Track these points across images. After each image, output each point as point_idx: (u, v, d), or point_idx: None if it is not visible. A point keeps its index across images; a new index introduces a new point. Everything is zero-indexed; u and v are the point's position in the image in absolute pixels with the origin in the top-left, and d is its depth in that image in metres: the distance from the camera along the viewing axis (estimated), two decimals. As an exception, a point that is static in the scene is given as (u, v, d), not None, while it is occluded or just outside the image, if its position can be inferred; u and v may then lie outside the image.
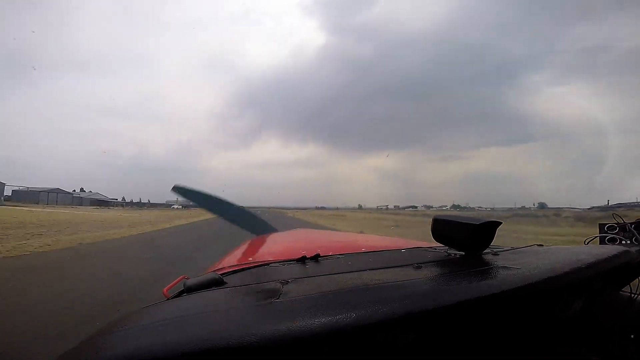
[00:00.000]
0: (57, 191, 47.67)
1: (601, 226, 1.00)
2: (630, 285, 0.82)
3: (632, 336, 0.75)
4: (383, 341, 0.42)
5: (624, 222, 0.95)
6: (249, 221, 2.06)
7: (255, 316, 0.44)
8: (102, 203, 53.23)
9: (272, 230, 2.02)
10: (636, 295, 0.80)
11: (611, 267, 0.68)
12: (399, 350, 0.44)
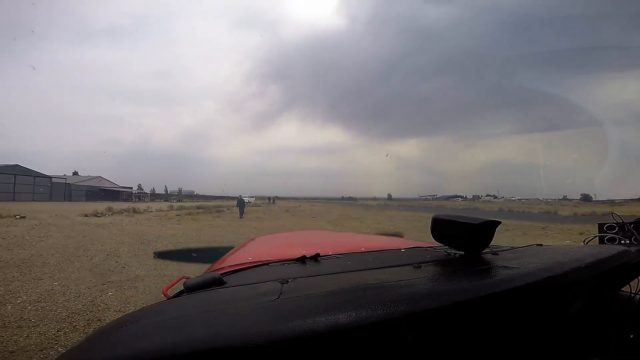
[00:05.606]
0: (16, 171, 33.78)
1: (600, 226, 1.01)
2: (629, 285, 0.83)
3: (631, 336, 0.76)
4: (383, 341, 0.43)
5: (623, 221, 0.96)
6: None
7: (256, 316, 0.45)
8: (109, 194, 41.14)
9: None
10: (635, 295, 0.81)
11: (610, 267, 0.68)
12: (400, 350, 0.44)
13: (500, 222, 0.76)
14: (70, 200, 36.22)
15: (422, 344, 0.47)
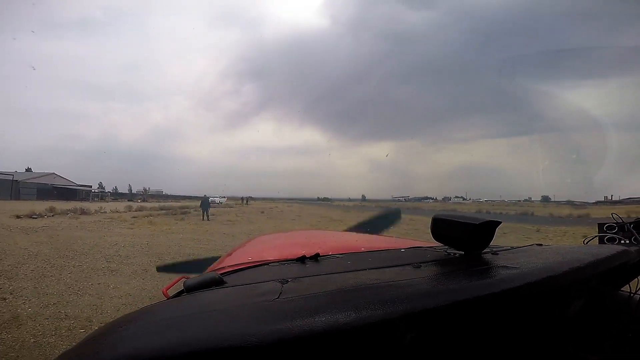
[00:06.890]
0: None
1: (600, 225, 1.01)
2: (629, 285, 0.84)
3: (630, 335, 0.77)
4: (383, 341, 0.43)
5: (623, 221, 0.96)
6: None
7: (255, 316, 0.45)
8: (64, 193, 37.03)
9: None
10: (635, 295, 0.82)
11: (610, 267, 0.69)
12: (399, 349, 0.45)
13: (500, 223, 0.76)
14: (18, 199, 32.13)
15: (422, 344, 0.48)
